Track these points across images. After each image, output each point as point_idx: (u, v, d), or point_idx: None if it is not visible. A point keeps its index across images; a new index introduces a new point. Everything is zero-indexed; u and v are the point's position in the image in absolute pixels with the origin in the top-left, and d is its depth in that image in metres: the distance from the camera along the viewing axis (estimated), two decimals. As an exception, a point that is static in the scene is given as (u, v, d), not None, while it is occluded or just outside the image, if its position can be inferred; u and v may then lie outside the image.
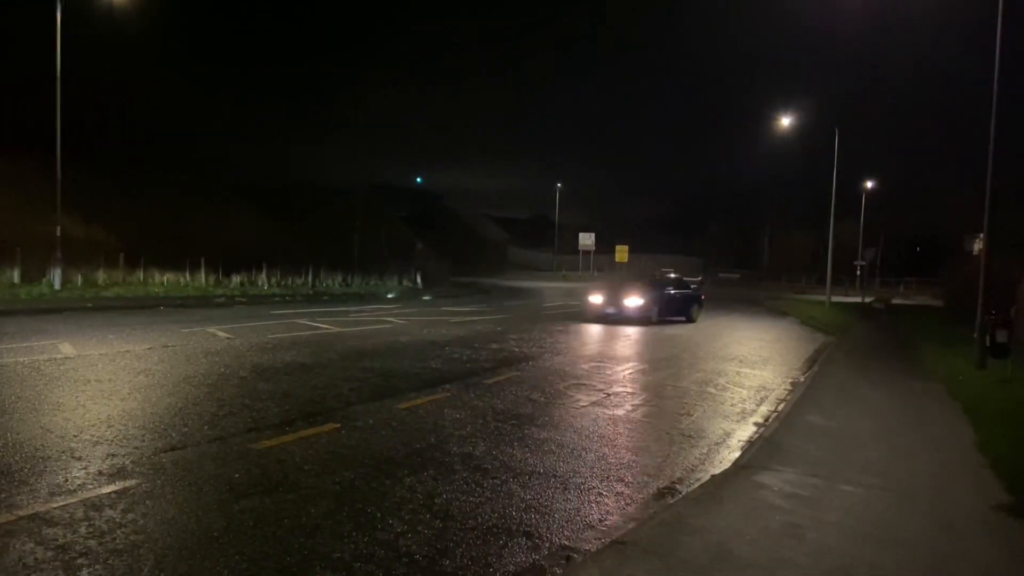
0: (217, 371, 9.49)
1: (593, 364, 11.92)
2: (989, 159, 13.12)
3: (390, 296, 31.99)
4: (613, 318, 20.48)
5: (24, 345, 11.25)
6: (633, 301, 20.37)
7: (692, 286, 24.25)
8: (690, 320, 22.09)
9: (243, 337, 13.40)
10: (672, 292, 22.02)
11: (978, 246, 15.71)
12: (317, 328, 15.77)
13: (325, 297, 29.36)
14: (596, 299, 21.34)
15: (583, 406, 8.35)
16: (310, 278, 35.19)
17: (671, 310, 21.59)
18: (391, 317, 19.46)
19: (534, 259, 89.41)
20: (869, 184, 51.73)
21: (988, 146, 13.17)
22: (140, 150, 46.15)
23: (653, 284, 21.90)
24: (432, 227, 73.80)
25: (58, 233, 23.04)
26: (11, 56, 37.47)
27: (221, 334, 13.79)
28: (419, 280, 39.76)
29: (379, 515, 4.56)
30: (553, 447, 6.47)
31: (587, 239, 72.62)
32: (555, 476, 5.61)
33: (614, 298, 20.77)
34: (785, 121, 34.11)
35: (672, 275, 25.53)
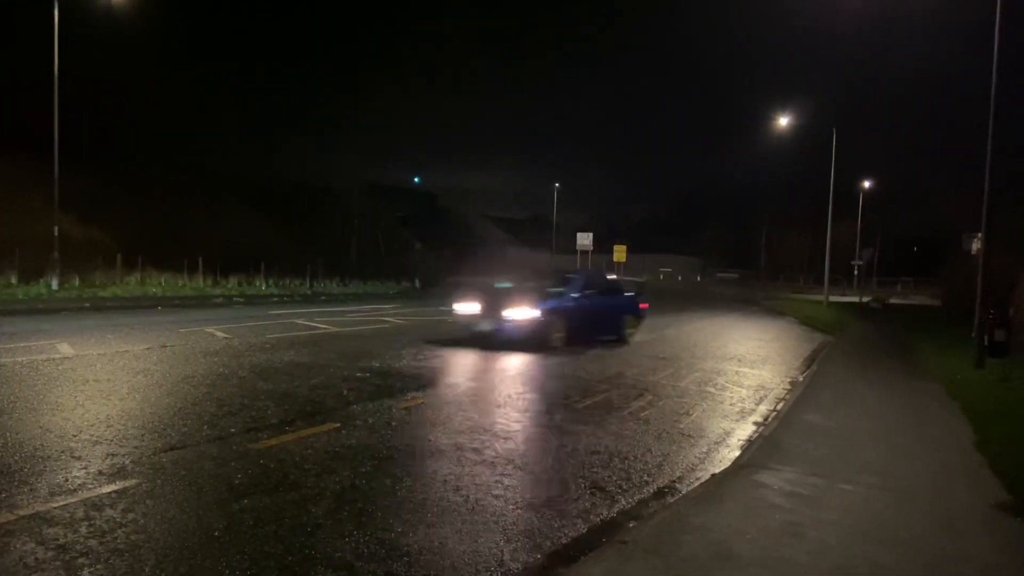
0: (216, 371, 9.48)
1: (596, 365, 11.93)
2: (987, 158, 13.15)
3: (388, 296, 31.97)
4: (494, 339, 13.11)
5: (23, 345, 11.23)
6: (519, 312, 12.90)
7: (628, 292, 16.96)
8: (621, 340, 15.18)
9: (241, 337, 13.39)
10: (590, 299, 14.58)
11: (976, 245, 15.73)
12: (315, 328, 15.76)
13: (323, 297, 29.34)
14: (466, 307, 13.88)
15: (584, 406, 8.35)
16: (308, 279, 35.18)
17: (588, 326, 14.37)
18: (389, 317, 19.47)
19: (532, 259, 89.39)
20: (867, 184, 51.83)
21: (986, 145, 13.20)
22: (137, 150, 46.10)
23: (560, 286, 14.57)
24: (430, 227, 73.81)
25: (56, 233, 23.02)
26: (8, 56, 37.40)
27: (219, 334, 13.77)
28: (417, 281, 39.75)
29: (379, 514, 4.56)
30: (554, 445, 6.47)
31: (584, 239, 72.55)
32: (556, 474, 5.61)
33: (493, 307, 13.33)
34: (783, 121, 34.18)
35: (610, 276, 18.18)
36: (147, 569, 3.62)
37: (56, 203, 23.08)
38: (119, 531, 4.07)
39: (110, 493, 4.68)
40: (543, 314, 13.06)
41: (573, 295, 14.24)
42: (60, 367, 9.34)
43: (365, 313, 20.93)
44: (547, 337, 13.17)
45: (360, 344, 13.09)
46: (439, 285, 40.22)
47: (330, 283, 36.40)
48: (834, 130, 32.14)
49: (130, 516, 4.31)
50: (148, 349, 11.32)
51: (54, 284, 22.97)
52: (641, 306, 16.64)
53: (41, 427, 6.26)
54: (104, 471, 5.12)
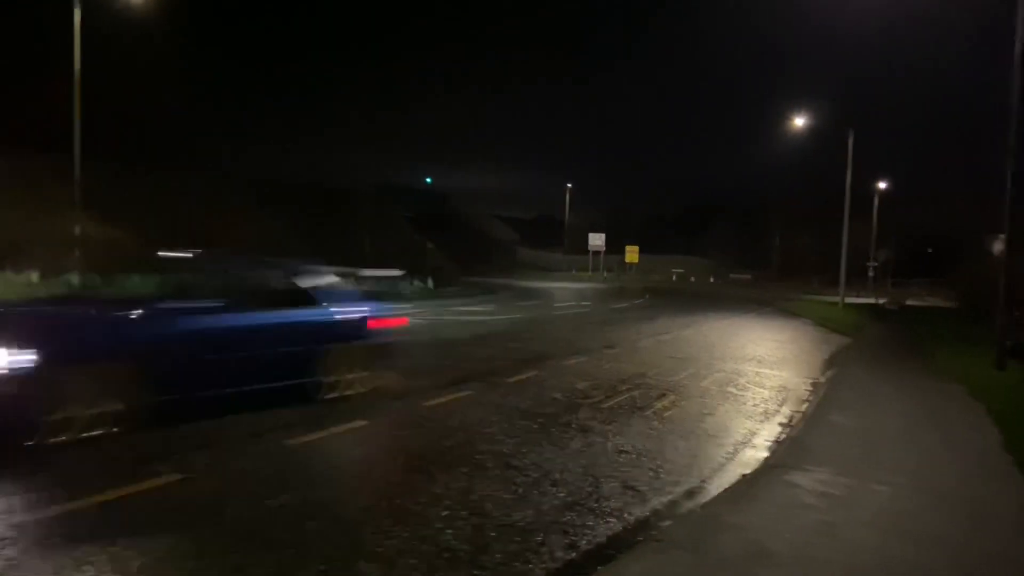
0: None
1: (614, 365, 11.96)
2: (1009, 157, 13.06)
3: (403, 296, 32.10)
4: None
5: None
6: None
7: (339, 299, 8.47)
8: (306, 394, 7.24)
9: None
10: (220, 318, 6.61)
11: (999, 247, 15.63)
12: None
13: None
14: None
15: (607, 406, 8.39)
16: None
17: (213, 381, 6.41)
18: (410, 315, 19.53)
19: (543, 259, 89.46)
20: (881, 184, 51.52)
21: (1007, 145, 13.11)
22: (153, 150, 46.36)
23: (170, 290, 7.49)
24: (441, 228, 73.96)
25: (78, 232, 23.26)
26: (27, 54, 37.69)
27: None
28: (430, 281, 39.87)
29: (416, 510, 4.61)
30: (582, 446, 6.51)
31: (596, 239, 72.61)
32: (587, 475, 5.65)
33: None
34: (797, 122, 34.07)
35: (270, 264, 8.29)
36: (195, 560, 3.69)
37: (78, 202, 23.34)
38: (164, 523, 4.14)
39: (150, 489, 4.74)
40: (48, 362, 5.33)
41: (159, 308, 6.58)
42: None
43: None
44: (36, 419, 5.27)
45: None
46: (453, 285, 40.34)
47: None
48: (851, 131, 31.98)
49: (174, 509, 4.39)
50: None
51: (75, 282, 23.20)
52: (374, 324, 8.44)
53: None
54: (144, 466, 5.20)
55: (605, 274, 69.53)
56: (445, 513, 4.58)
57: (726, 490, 5.37)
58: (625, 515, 4.82)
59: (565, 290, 43.87)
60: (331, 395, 7.48)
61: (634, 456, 6.28)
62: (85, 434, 5.49)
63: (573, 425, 7.30)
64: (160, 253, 7.91)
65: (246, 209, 46.83)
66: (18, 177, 33.42)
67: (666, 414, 8.15)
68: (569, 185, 78.60)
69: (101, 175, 33.38)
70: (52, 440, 5.30)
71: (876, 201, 49.44)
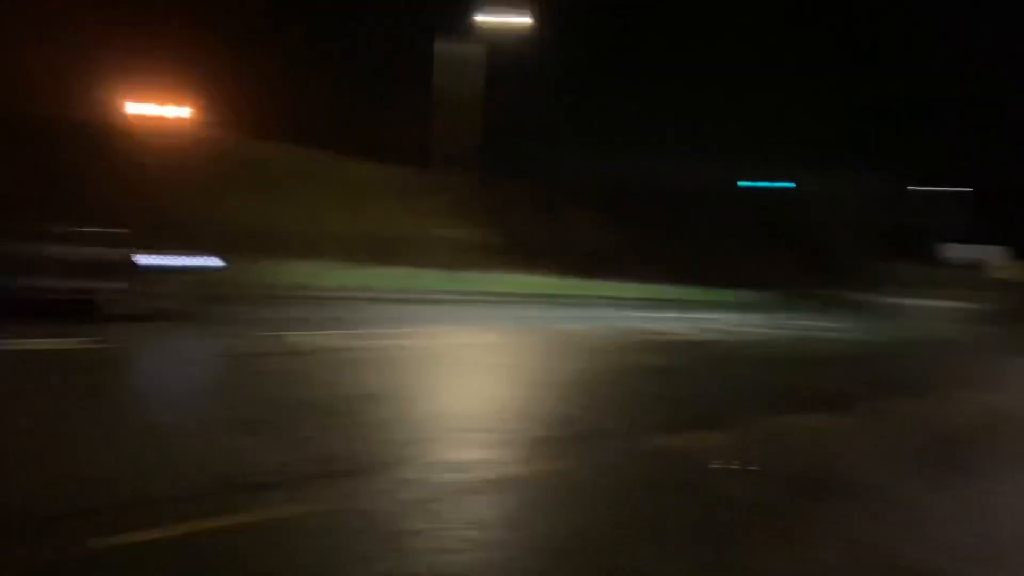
0: (594, 367, 10.11)
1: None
2: None
3: (749, 304, 31.04)
4: None
5: (445, 329, 13.28)
6: None
7: None
8: None
9: (611, 338, 14.08)
10: None
11: None
12: (675, 332, 15.89)
13: (680, 303, 29.48)
14: None
15: (1013, 452, 7.05)
16: (663, 284, 35.39)
17: None
18: (754, 327, 18.80)
19: (905, 273, 78.98)
20: None
21: None
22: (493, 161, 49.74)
23: None
24: (789, 235, 69.70)
25: (460, 237, 26.60)
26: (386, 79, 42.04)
27: (586, 330, 14.64)
28: (777, 291, 37.87)
29: (794, 535, 4.27)
30: (983, 496, 5.50)
31: (969, 251, 61.89)
32: (990, 528, 4.75)
33: None
34: None
35: None
36: (592, 552, 3.80)
37: (450, 210, 26.53)
38: (542, 513, 4.34)
39: (528, 474, 4.98)
40: None
41: None
42: (485, 353, 10.84)
43: (729, 321, 20.52)
44: None
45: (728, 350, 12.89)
46: (807, 297, 37.76)
47: (688, 289, 35.89)
48: None
49: (554, 497, 4.64)
50: (529, 340, 12.53)
51: (442, 277, 26.70)
52: None
53: (473, 397, 7.22)
54: (516, 450, 5.58)
55: (989, 292, 59.03)
56: (826, 541, 4.23)
57: None
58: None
59: (933, 308, 38.23)
60: None
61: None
62: None
63: (967, 470, 6.23)
64: None
65: (581, 214, 48.88)
66: (385, 185, 39.01)
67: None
68: (911, 188, 68.10)
69: (458, 184, 37.70)
70: None
71: None
